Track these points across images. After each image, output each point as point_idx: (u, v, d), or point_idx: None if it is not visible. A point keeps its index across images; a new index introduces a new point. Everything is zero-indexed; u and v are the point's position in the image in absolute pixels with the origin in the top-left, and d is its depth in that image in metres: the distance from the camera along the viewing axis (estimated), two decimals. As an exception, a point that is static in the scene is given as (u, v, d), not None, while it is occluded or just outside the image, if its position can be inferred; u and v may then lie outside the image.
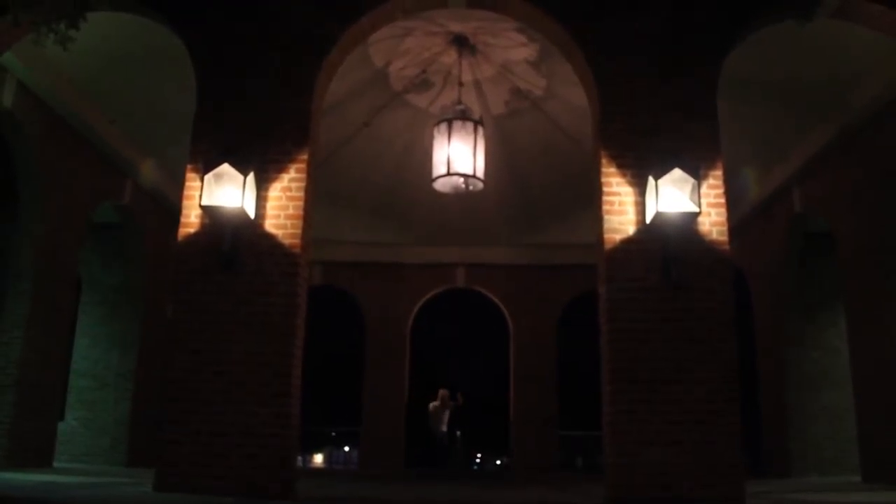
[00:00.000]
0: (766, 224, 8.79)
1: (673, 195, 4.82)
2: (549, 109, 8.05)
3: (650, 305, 4.75)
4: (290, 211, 4.98)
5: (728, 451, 4.45)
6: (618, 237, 4.90)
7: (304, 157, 5.05)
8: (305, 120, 5.09)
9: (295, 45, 5.20)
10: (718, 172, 4.97)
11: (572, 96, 7.34)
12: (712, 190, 4.93)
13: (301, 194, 5.01)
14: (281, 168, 5.03)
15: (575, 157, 8.27)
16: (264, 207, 4.97)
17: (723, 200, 4.93)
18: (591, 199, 5.39)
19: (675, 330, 4.69)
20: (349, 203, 9.22)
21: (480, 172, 6.86)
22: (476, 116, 7.01)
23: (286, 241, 4.90)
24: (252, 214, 4.93)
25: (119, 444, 8.66)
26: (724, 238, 4.85)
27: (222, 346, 4.70)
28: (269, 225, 4.94)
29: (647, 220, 4.89)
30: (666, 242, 4.83)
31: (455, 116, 6.86)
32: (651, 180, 4.89)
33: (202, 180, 4.88)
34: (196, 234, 4.92)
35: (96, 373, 8.92)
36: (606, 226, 4.92)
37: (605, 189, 5.00)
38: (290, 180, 5.03)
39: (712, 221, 4.89)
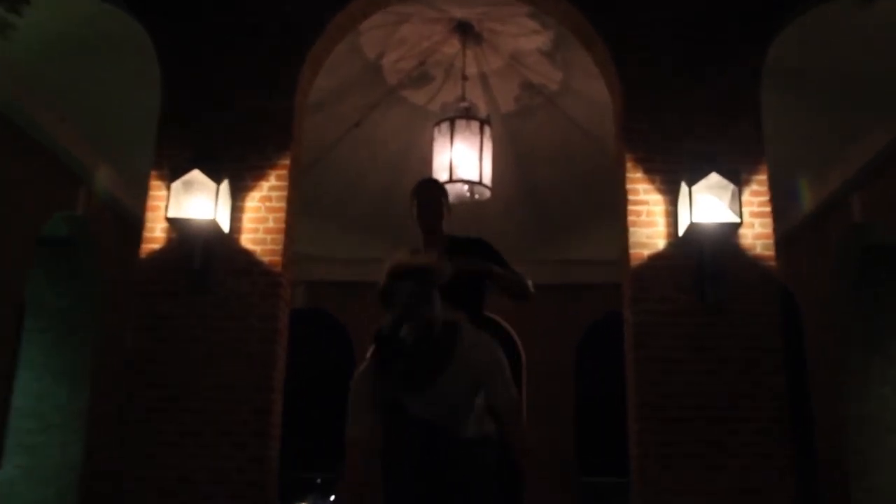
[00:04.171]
0: (821, 236, 8.64)
1: (710, 203, 4.83)
2: (566, 106, 8.07)
3: (684, 331, 4.75)
4: (270, 224, 5.01)
5: (779, 503, 4.45)
6: (646, 252, 4.91)
7: (286, 162, 5.06)
8: (288, 120, 5.10)
9: (275, 35, 5.25)
10: (763, 177, 5.00)
11: (592, 91, 7.36)
12: (755, 197, 4.97)
13: (282, 205, 5.04)
14: (260, 175, 5.05)
15: (596, 161, 8.28)
16: (240, 220, 4.99)
17: (768, 209, 4.96)
18: (614, 209, 5.37)
19: (713, 359, 4.69)
20: (337, 215, 9.23)
21: (487, 179, 6.88)
22: (482, 115, 7.05)
23: (265, 259, 4.92)
24: (226, 228, 4.95)
25: (67, 496, 8.51)
26: (770, 252, 4.88)
27: (191, 380, 4.72)
28: (246, 240, 4.97)
29: (680, 233, 4.91)
30: (702, 258, 4.83)
31: (458, 115, 6.89)
32: (684, 187, 4.90)
33: (168, 189, 4.91)
34: (161, 251, 4.94)
35: (41, 411, 8.71)
36: (632, 239, 4.94)
37: (631, 197, 5.01)
38: (271, 189, 5.05)
39: (756, 234, 4.91)
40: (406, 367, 2.51)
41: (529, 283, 3.46)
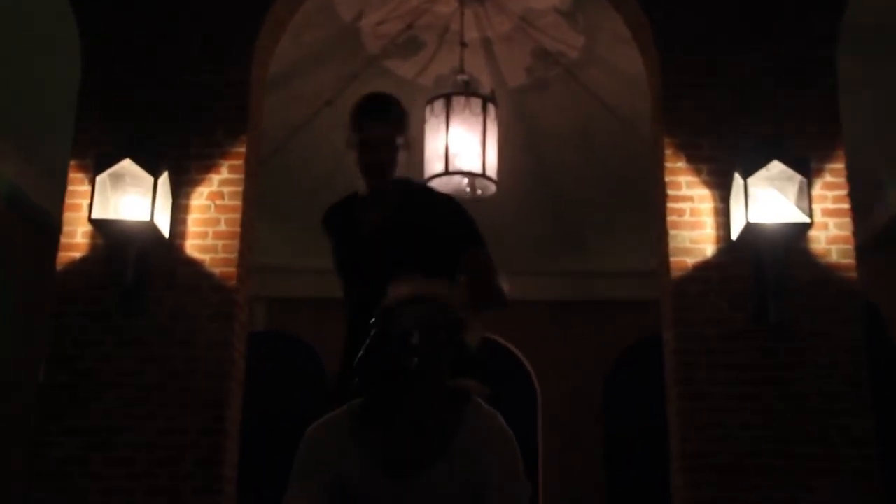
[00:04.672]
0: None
1: (771, 199, 4.83)
2: (590, 79, 8.05)
3: (739, 360, 4.74)
4: (222, 227, 5.02)
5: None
6: (690, 261, 4.92)
7: (242, 149, 5.08)
8: (243, 97, 5.12)
9: (226, -8, 5.30)
10: (839, 166, 4.98)
11: (622, 60, 7.34)
12: (830, 191, 4.95)
13: (237, 203, 5.04)
14: (209, 166, 5.06)
15: (627, 148, 8.24)
16: (184, 222, 5.00)
17: (846, 206, 4.95)
18: (650, 208, 5.37)
19: (777, 396, 4.67)
20: (306, 215, 9.09)
21: (492, 170, 6.83)
22: (485, 90, 7.03)
23: (216, 271, 4.94)
24: (166, 232, 4.95)
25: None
26: (850, 261, 4.86)
27: (121, 424, 4.69)
28: (192, 247, 4.98)
29: (734, 236, 4.90)
30: (761, 268, 4.82)
31: (455, 91, 6.84)
32: (738, 178, 4.89)
33: (92, 183, 4.90)
34: (84, 261, 4.93)
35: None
36: (673, 244, 4.94)
37: (672, 192, 5.02)
38: (222, 183, 5.04)
39: (831, 237, 4.89)
40: (385, 438, 2.26)
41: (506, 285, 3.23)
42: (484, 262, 3.07)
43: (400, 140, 3.06)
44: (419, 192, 3.20)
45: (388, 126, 3.03)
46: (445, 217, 3.06)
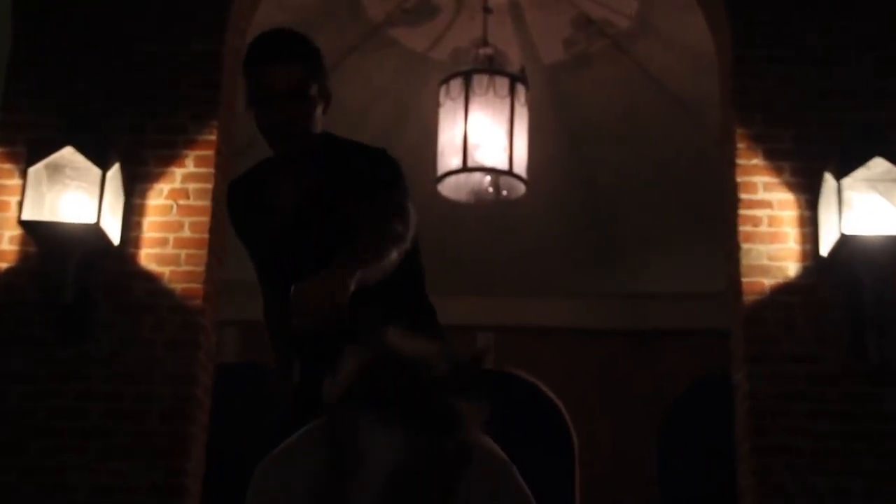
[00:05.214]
0: None
1: (871, 205, 4.82)
2: (643, 55, 8.02)
3: (830, 407, 4.72)
4: (186, 233, 5.01)
5: None
6: (768, 283, 4.91)
7: (212, 137, 5.08)
8: (214, 73, 5.13)
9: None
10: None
11: (684, 31, 7.30)
12: (947, 197, 4.94)
13: (206, 203, 5.05)
14: (170, 157, 5.06)
15: (688, 140, 8.25)
16: (139, 226, 4.99)
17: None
18: (717, 215, 5.37)
19: (881, 453, 4.64)
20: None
21: (521, 167, 6.79)
22: (514, 67, 7.02)
23: (177, 287, 4.93)
24: (116, 238, 4.93)
25: None
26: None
27: (53, 479, 4.66)
28: (149, 257, 4.97)
29: (824, 252, 4.89)
30: (858, 292, 4.82)
31: (477, 67, 6.84)
32: (830, 179, 4.88)
33: (24, 176, 4.88)
34: (12, 273, 4.93)
35: None
36: (746, 262, 4.94)
37: (745, 196, 5.02)
38: (187, 178, 5.05)
39: (948, 253, 4.89)
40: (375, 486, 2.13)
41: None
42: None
43: (314, 89, 2.76)
44: (346, 150, 2.88)
45: (295, 70, 2.73)
46: (376, 172, 2.80)
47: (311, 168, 2.82)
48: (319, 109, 2.79)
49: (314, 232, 2.73)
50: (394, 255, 2.63)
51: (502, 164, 6.71)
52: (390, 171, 2.82)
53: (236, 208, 2.96)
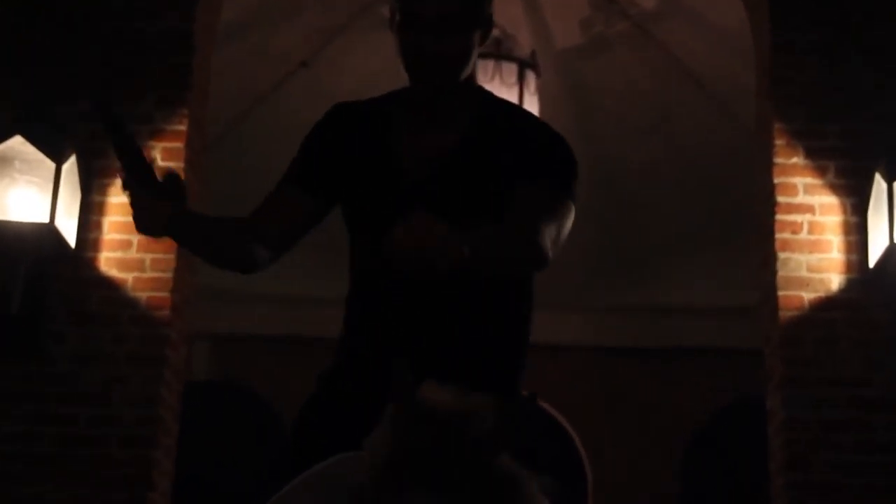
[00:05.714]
0: None
1: None
2: (670, 38, 8.04)
3: (878, 437, 4.74)
4: None
5: None
6: (807, 297, 4.93)
7: (181, 127, 5.14)
8: (184, 54, 5.20)
9: None
10: None
11: (715, 11, 7.34)
12: None
13: None
14: None
15: (720, 135, 8.31)
16: (99, 227, 5.02)
17: None
18: (750, 219, 5.47)
19: None
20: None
21: (531, 163, 6.83)
22: (524, 52, 7.05)
23: (142, 296, 4.97)
24: (72, 240, 4.94)
25: None
26: None
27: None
28: (109, 262, 5.00)
29: (871, 263, 4.90)
30: None
31: (482, 52, 6.79)
32: (879, 181, 4.90)
33: (-33, 169, 4.94)
34: None
35: None
36: (784, 273, 4.96)
37: (782, 199, 5.05)
38: None
39: None
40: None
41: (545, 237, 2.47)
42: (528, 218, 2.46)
43: (474, 14, 2.52)
44: (511, 112, 2.68)
45: None
46: (548, 160, 2.56)
47: (463, 116, 2.56)
48: (477, 41, 2.54)
49: (447, 198, 2.45)
50: (520, 266, 2.54)
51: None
52: (569, 166, 2.62)
53: (335, 140, 2.62)
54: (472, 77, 2.59)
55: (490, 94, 2.66)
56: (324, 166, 2.59)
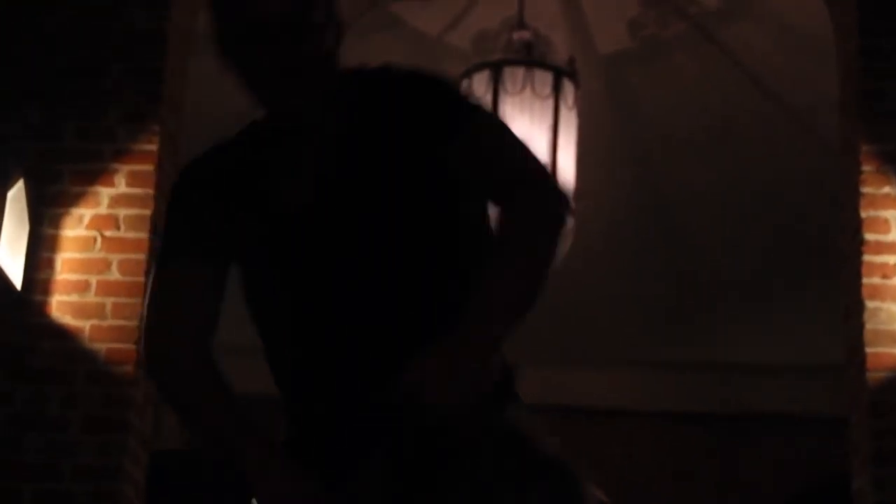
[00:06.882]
0: None
1: None
2: (736, 43, 8.07)
3: None
4: (115, 275, 5.08)
5: None
6: None
7: (152, 147, 5.19)
8: (156, 60, 5.24)
9: None
10: None
11: (790, 10, 7.39)
12: None
13: (142, 236, 5.13)
14: (95, 172, 5.14)
15: (795, 158, 8.30)
16: (51, 265, 5.07)
17: None
18: (833, 262, 5.47)
19: None
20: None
21: (568, 191, 6.81)
22: (561, 58, 7.08)
23: (101, 347, 5.00)
24: (17, 281, 5.00)
25: None
26: None
27: None
28: (63, 307, 5.04)
29: None
30: None
31: (510, 58, 6.91)
32: None
33: None
34: None
35: None
36: (872, 326, 5.01)
37: (871, 236, 5.11)
38: (117, 202, 5.13)
39: None
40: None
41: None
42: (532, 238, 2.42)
43: (317, 16, 2.47)
44: (383, 86, 2.58)
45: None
46: (452, 126, 2.50)
47: (339, 125, 2.50)
48: (331, 41, 2.48)
49: (351, 229, 2.42)
50: (546, 262, 2.45)
51: (543, 186, 6.79)
52: (460, 102, 2.61)
53: (201, 206, 2.56)
54: (331, 73, 2.52)
55: (362, 76, 2.58)
56: (210, 230, 2.54)
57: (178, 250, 2.54)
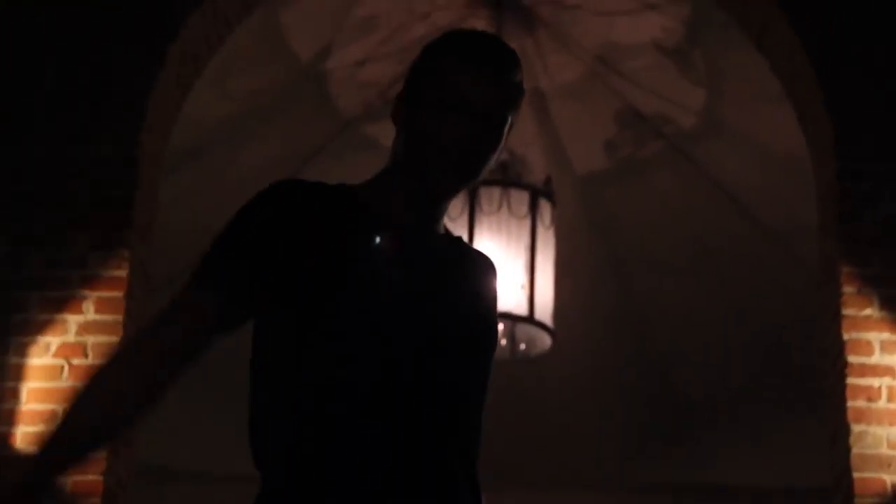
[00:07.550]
0: None
1: None
2: (713, 163, 8.15)
3: None
4: None
5: None
6: (889, 480, 4.95)
7: (121, 273, 5.16)
8: (126, 185, 5.23)
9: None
10: None
11: (765, 132, 7.46)
12: None
13: None
14: (62, 299, 5.13)
15: (775, 277, 8.35)
16: (15, 396, 5.04)
17: None
18: (817, 385, 5.50)
19: None
20: (235, 380, 9.11)
21: (545, 312, 6.89)
22: (538, 178, 7.14)
23: (66, 481, 4.83)
24: None
25: None
26: None
27: None
28: (27, 438, 4.98)
29: None
30: None
31: (486, 177, 6.86)
32: None
33: None
34: None
35: None
36: (858, 450, 4.97)
37: (854, 359, 5.07)
38: (86, 329, 5.11)
39: None
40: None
41: None
42: None
43: (510, 118, 2.55)
44: (482, 254, 2.76)
45: (506, 89, 2.53)
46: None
47: (449, 247, 2.61)
48: (492, 163, 2.59)
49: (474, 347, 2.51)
50: None
51: (520, 307, 6.76)
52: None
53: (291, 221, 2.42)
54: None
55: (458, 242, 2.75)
56: (268, 269, 2.43)
57: (212, 282, 2.42)
